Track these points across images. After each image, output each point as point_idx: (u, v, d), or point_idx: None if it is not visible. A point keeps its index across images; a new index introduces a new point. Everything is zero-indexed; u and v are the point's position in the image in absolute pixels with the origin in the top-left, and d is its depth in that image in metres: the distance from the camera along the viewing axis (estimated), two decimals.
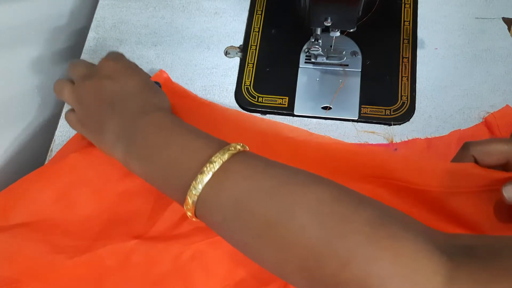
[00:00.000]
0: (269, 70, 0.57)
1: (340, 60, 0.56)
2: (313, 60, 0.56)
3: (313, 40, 0.53)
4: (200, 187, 0.36)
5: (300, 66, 0.56)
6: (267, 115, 0.55)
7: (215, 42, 0.59)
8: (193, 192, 0.36)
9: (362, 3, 0.47)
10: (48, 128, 0.60)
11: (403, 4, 0.59)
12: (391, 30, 0.58)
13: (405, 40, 0.57)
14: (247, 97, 0.55)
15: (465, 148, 0.43)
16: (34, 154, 0.58)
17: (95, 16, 0.62)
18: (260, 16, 0.60)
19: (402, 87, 0.54)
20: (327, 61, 0.56)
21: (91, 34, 0.61)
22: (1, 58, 0.53)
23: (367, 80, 0.55)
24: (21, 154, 0.56)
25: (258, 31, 0.59)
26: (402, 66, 0.55)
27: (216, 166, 0.36)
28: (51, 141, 0.55)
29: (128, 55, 0.59)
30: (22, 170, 0.56)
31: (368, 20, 0.58)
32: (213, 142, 0.39)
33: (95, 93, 0.45)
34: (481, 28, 0.57)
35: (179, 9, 0.62)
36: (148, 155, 0.40)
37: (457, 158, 0.44)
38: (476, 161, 0.42)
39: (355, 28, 0.51)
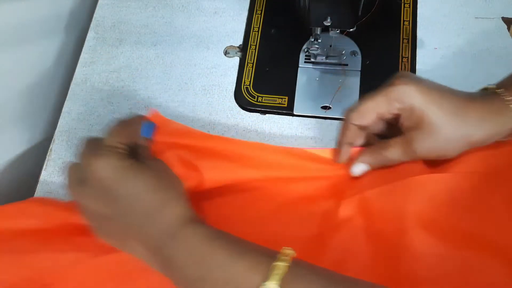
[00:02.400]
0: (269, 70, 0.57)
1: (339, 60, 0.56)
2: (312, 60, 0.56)
3: (313, 40, 0.53)
4: None
5: (300, 65, 0.56)
6: (267, 114, 0.55)
7: (215, 42, 0.59)
8: None
9: (362, 3, 0.47)
10: (48, 129, 0.60)
11: (402, 4, 0.59)
12: (391, 30, 0.58)
13: (404, 40, 0.57)
14: (246, 96, 0.55)
15: (345, 119, 0.44)
16: (34, 154, 0.58)
17: (94, 15, 0.62)
18: (259, 15, 0.60)
19: None
20: (327, 60, 0.56)
21: (90, 34, 0.61)
22: (1, 58, 0.53)
23: (367, 80, 0.55)
24: (20, 154, 0.56)
25: (258, 31, 0.59)
26: (401, 66, 0.55)
27: None
28: (51, 141, 0.55)
29: (128, 54, 0.59)
30: (22, 170, 0.56)
31: (368, 20, 0.58)
32: (256, 267, 0.34)
33: (97, 212, 0.39)
34: (481, 28, 0.57)
35: (178, 9, 0.62)
36: (188, 286, 0.37)
37: (342, 131, 0.45)
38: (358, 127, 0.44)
39: (355, 28, 0.51)
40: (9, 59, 0.54)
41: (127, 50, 0.60)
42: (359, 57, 0.56)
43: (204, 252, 0.36)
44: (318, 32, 0.52)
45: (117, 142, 0.39)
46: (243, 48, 0.58)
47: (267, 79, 0.56)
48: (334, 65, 0.56)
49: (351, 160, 0.46)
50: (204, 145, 0.46)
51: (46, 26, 0.60)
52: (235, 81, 0.57)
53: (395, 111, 0.41)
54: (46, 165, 0.53)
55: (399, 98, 0.40)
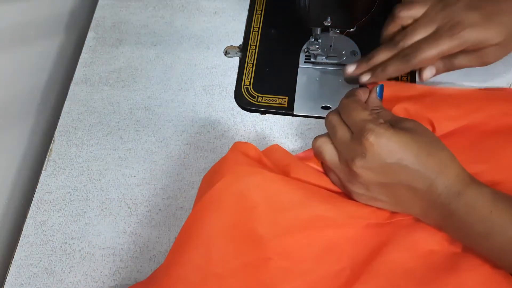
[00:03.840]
0: (269, 70, 0.57)
1: (339, 60, 0.56)
2: (312, 60, 0.56)
3: (313, 40, 0.53)
4: None
5: (300, 66, 0.56)
6: (267, 114, 0.55)
7: (215, 42, 0.59)
8: None
9: (362, 3, 0.48)
10: (48, 128, 0.60)
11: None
12: None
13: None
14: (246, 97, 0.55)
15: (392, 14, 0.50)
16: (34, 154, 0.58)
17: (94, 16, 0.62)
18: (259, 15, 0.60)
19: None
20: (327, 61, 0.56)
21: (90, 34, 0.61)
22: (1, 58, 0.53)
23: None
24: (21, 154, 0.56)
25: (258, 31, 0.59)
26: None
27: None
28: (51, 141, 0.55)
29: (128, 54, 0.59)
30: (22, 170, 0.56)
31: (368, 20, 0.58)
32: None
33: (374, 181, 0.42)
34: None
35: (178, 9, 0.62)
36: (467, 239, 0.41)
37: (387, 26, 0.51)
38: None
39: (355, 28, 0.51)
40: (9, 59, 0.54)
41: (127, 50, 0.60)
42: (359, 57, 0.56)
43: (488, 211, 0.39)
44: (318, 32, 0.52)
45: (371, 113, 0.43)
46: (243, 48, 0.58)
47: (267, 79, 0.56)
48: (334, 65, 0.56)
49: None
50: (425, 93, 0.50)
51: (46, 26, 0.60)
52: (235, 81, 0.57)
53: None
54: (46, 165, 0.53)
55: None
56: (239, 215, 0.43)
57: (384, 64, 0.49)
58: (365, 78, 0.51)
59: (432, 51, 0.47)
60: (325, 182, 0.46)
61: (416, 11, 0.49)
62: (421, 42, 0.48)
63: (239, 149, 0.47)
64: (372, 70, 0.50)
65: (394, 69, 0.49)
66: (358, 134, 0.41)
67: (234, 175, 0.44)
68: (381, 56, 0.50)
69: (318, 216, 0.44)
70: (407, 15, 0.49)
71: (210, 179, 0.45)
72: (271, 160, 0.47)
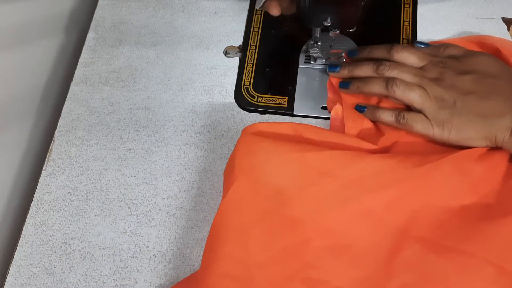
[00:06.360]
0: (269, 70, 0.57)
1: (339, 60, 0.56)
2: (312, 62, 0.56)
3: (312, 43, 0.53)
4: None
5: (300, 66, 0.56)
6: (267, 114, 0.55)
7: (215, 42, 0.59)
8: None
9: (362, 3, 0.48)
10: (48, 128, 0.60)
11: (402, 4, 0.59)
12: (391, 30, 0.58)
13: (404, 40, 0.57)
14: (246, 97, 0.55)
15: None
16: (34, 154, 0.58)
17: (94, 16, 0.62)
18: (259, 16, 0.60)
19: None
20: (327, 63, 0.56)
21: (90, 34, 0.61)
22: (1, 58, 0.53)
23: None
24: (21, 154, 0.56)
25: (258, 31, 0.59)
26: None
27: None
28: (51, 141, 0.55)
29: (128, 55, 0.59)
30: (22, 170, 0.56)
31: (368, 20, 0.58)
32: None
33: (465, 90, 0.46)
34: (481, 28, 0.57)
35: (178, 9, 0.62)
36: None
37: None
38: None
39: (355, 28, 0.51)
40: (9, 59, 0.54)
41: (127, 50, 0.60)
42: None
43: None
44: (317, 35, 0.52)
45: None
46: (243, 48, 0.59)
47: (267, 79, 0.56)
48: None
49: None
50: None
51: (46, 26, 0.60)
52: (235, 81, 0.57)
53: None
54: (46, 165, 0.53)
55: None
56: (268, 203, 0.43)
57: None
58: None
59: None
60: (341, 138, 0.47)
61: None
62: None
63: (249, 131, 0.47)
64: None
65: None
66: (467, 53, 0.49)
67: (250, 168, 0.44)
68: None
69: (346, 182, 0.43)
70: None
71: (230, 174, 0.45)
72: (283, 130, 0.48)
